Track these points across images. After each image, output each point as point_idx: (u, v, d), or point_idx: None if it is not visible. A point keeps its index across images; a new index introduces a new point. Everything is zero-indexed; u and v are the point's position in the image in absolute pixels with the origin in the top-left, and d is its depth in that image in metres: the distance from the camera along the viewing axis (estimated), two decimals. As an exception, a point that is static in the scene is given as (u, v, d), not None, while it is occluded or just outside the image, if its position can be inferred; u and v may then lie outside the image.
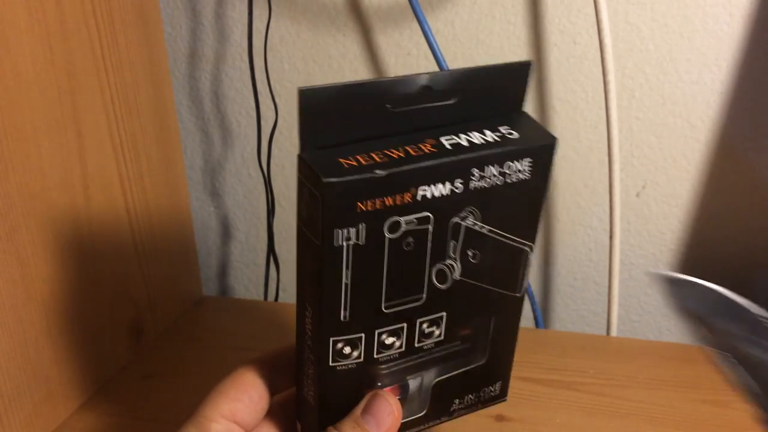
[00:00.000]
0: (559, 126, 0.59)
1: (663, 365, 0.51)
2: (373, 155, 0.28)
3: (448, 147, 0.29)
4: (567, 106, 0.58)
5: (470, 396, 0.36)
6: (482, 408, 0.37)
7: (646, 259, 0.62)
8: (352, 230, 0.27)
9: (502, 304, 0.34)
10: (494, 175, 0.30)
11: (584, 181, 0.61)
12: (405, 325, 0.32)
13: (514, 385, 0.37)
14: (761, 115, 0.55)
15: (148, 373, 0.52)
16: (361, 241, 0.28)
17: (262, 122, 0.63)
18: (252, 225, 0.71)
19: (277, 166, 0.66)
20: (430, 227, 0.30)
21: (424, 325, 0.32)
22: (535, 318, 0.63)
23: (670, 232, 0.61)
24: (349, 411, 0.32)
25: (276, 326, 0.59)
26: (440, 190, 0.29)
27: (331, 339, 0.30)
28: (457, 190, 0.29)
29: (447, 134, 0.30)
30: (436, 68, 0.57)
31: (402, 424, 0.34)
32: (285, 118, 0.64)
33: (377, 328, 0.31)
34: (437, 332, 0.33)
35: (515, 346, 0.36)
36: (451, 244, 0.31)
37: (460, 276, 0.32)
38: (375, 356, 0.32)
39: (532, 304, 0.63)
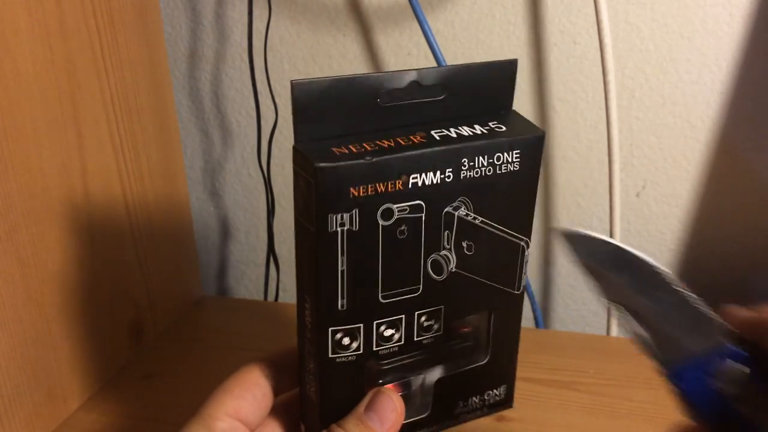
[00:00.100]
0: (559, 126, 0.59)
1: (663, 365, 0.51)
2: (365, 145, 0.29)
3: (438, 138, 0.30)
4: (567, 106, 0.58)
5: (474, 399, 0.36)
6: (488, 413, 0.36)
7: (646, 259, 0.62)
8: (346, 215, 0.28)
9: (501, 300, 0.34)
10: (484, 166, 0.31)
11: (584, 181, 0.61)
12: (403, 317, 0.32)
13: (514, 385, 0.37)
14: (761, 115, 0.55)
15: (148, 373, 0.52)
16: (355, 227, 0.29)
17: (262, 122, 0.63)
18: (252, 225, 0.71)
19: (277, 166, 0.66)
20: (423, 216, 0.30)
21: (423, 318, 0.33)
22: (535, 318, 0.63)
23: (670, 232, 0.61)
24: (352, 409, 0.32)
25: (276, 326, 0.59)
26: (431, 178, 0.30)
27: (330, 329, 0.30)
28: (447, 179, 0.30)
29: (437, 128, 0.31)
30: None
31: (406, 425, 0.34)
32: (285, 118, 0.64)
33: (375, 319, 0.31)
34: (436, 326, 0.33)
35: (518, 348, 0.36)
36: (445, 234, 0.31)
37: (456, 268, 0.32)
38: (374, 349, 0.32)
39: (532, 304, 0.63)
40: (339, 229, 0.28)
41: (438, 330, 0.33)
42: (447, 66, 0.31)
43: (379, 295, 0.31)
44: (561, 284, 0.65)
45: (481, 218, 0.32)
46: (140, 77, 0.52)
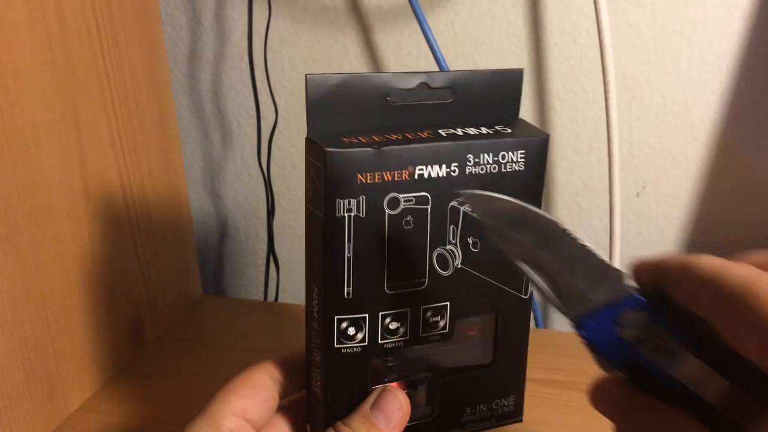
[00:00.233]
0: (559, 126, 0.59)
1: (663, 365, 0.51)
2: (374, 137, 0.30)
3: (444, 135, 0.31)
4: (567, 106, 0.58)
5: (482, 406, 0.36)
6: (496, 425, 0.36)
7: (646, 259, 0.62)
8: (353, 201, 0.29)
9: (508, 303, 0.34)
10: (489, 163, 0.31)
11: (584, 181, 0.61)
12: (409, 310, 0.32)
13: (514, 385, 0.37)
14: (761, 115, 0.55)
15: (148, 373, 0.52)
16: (362, 214, 0.30)
17: (262, 122, 0.63)
18: (252, 225, 0.71)
19: (277, 166, 0.66)
20: (429, 208, 0.31)
21: (428, 314, 0.33)
22: (535, 318, 0.63)
23: (670, 232, 0.61)
24: (357, 407, 0.32)
25: (276, 326, 0.59)
26: (436, 171, 0.30)
27: (336, 317, 0.31)
28: (453, 173, 0.31)
29: (444, 128, 0.32)
30: (435, 68, 0.57)
31: (411, 427, 0.34)
32: (285, 119, 0.64)
33: (381, 310, 0.32)
34: (442, 323, 0.33)
35: (526, 358, 0.36)
36: (451, 228, 0.32)
37: (462, 264, 0.32)
38: (380, 342, 0.32)
39: (532, 303, 0.63)
40: (346, 214, 0.29)
41: (444, 327, 0.33)
42: (456, 71, 0.32)
43: (385, 285, 0.31)
44: (561, 284, 0.65)
45: None
46: (140, 77, 0.52)
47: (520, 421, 0.37)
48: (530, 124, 0.34)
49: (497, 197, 0.28)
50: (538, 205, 0.33)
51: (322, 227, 0.29)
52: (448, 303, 0.33)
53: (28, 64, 0.41)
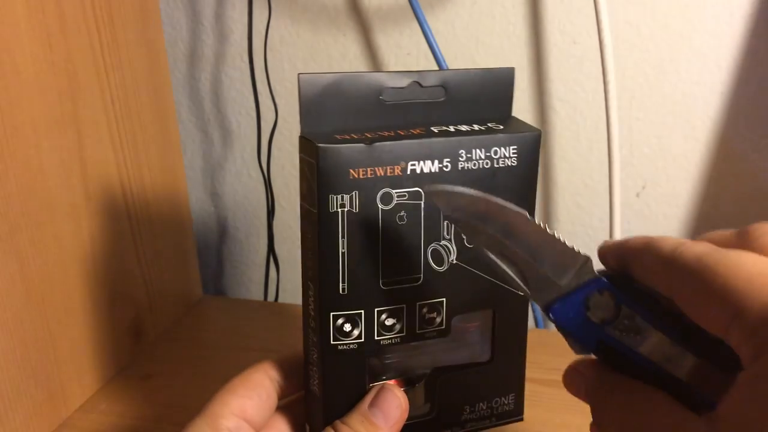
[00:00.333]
0: (559, 126, 0.59)
1: (663, 365, 0.51)
2: (366, 134, 0.30)
3: (436, 131, 0.31)
4: (567, 106, 0.58)
5: (481, 405, 0.36)
6: (497, 424, 0.36)
7: (646, 259, 0.62)
8: (346, 197, 0.30)
9: (505, 299, 0.34)
10: (481, 159, 0.32)
11: (584, 181, 0.61)
12: (404, 306, 0.32)
13: (514, 385, 0.37)
14: (761, 115, 0.55)
15: (148, 373, 0.52)
16: (355, 209, 0.30)
17: (262, 122, 0.63)
18: (252, 225, 0.71)
19: (277, 166, 0.66)
20: (422, 204, 0.31)
21: (424, 310, 0.33)
22: (535, 318, 0.63)
23: (670, 232, 0.61)
24: (355, 405, 0.32)
25: (276, 326, 0.59)
26: (429, 166, 0.31)
27: (332, 314, 0.31)
28: (445, 169, 0.31)
29: (436, 125, 0.32)
30: (435, 68, 0.57)
31: (410, 424, 0.34)
32: (285, 119, 0.64)
33: (376, 306, 0.32)
34: (438, 319, 0.33)
35: (525, 357, 0.36)
36: (445, 224, 0.32)
37: (457, 260, 0.33)
38: (376, 338, 0.32)
39: (532, 303, 0.63)
40: (339, 210, 0.30)
41: (440, 324, 0.33)
42: (448, 70, 0.32)
43: (380, 281, 0.31)
44: (561, 284, 0.65)
45: None
46: (140, 77, 0.52)
47: (521, 419, 0.37)
48: (523, 121, 0.34)
49: (460, 191, 0.28)
50: (533, 202, 0.34)
51: (315, 223, 0.30)
52: (444, 299, 0.33)
53: (28, 64, 0.41)
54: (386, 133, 0.31)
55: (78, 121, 0.45)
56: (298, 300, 0.71)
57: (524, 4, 0.56)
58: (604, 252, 0.28)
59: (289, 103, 0.64)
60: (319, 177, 0.29)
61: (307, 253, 0.31)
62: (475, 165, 0.31)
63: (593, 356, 0.27)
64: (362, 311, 0.31)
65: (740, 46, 0.54)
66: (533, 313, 0.63)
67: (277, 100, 0.63)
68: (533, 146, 0.33)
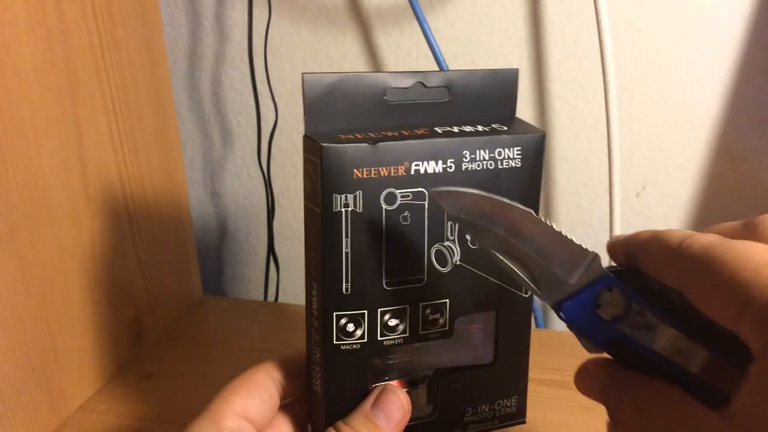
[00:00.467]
0: (559, 126, 0.59)
1: (663, 365, 0.51)
2: (370, 134, 0.30)
3: (440, 132, 0.31)
4: (567, 106, 0.58)
5: (484, 407, 0.36)
6: (499, 426, 0.36)
7: (646, 259, 0.62)
8: (350, 197, 0.30)
9: (508, 301, 0.34)
10: (485, 160, 0.32)
11: (584, 181, 0.61)
12: (408, 307, 0.32)
13: (514, 385, 0.37)
14: (761, 115, 0.55)
15: (148, 373, 0.52)
16: (359, 209, 0.30)
17: (262, 122, 0.63)
18: (252, 225, 0.71)
19: (277, 166, 0.66)
20: (426, 204, 0.31)
21: (428, 311, 0.33)
22: (535, 318, 0.63)
23: (670, 232, 0.61)
24: (357, 405, 0.32)
25: (276, 326, 0.59)
26: (432, 167, 0.31)
27: (335, 313, 0.31)
28: (449, 169, 0.31)
29: (440, 126, 0.32)
30: (436, 68, 0.57)
31: (412, 425, 0.34)
32: (285, 119, 0.64)
33: (379, 307, 0.32)
34: (441, 320, 0.33)
35: (528, 358, 0.36)
36: (449, 225, 0.32)
37: (461, 261, 0.33)
38: (379, 338, 0.32)
39: (533, 303, 0.63)
40: (343, 209, 0.30)
41: (443, 325, 0.33)
42: (451, 70, 0.32)
43: (383, 281, 0.31)
44: (561, 284, 0.65)
45: None
46: (140, 77, 0.52)
47: (523, 422, 0.37)
48: (527, 122, 0.34)
49: (465, 192, 0.28)
50: (537, 203, 0.34)
51: (319, 222, 0.30)
52: (447, 300, 0.33)
53: (28, 64, 0.41)
54: (390, 134, 0.31)
55: (78, 120, 0.45)
56: (298, 300, 0.71)
57: (524, 4, 0.56)
58: (613, 246, 0.28)
59: (289, 103, 0.64)
60: (323, 176, 0.29)
61: (310, 252, 0.31)
62: (478, 166, 0.31)
63: (605, 354, 0.27)
64: (365, 311, 0.31)
65: (740, 46, 0.54)
66: (533, 313, 0.63)
67: (277, 100, 0.63)
68: (537, 148, 0.33)
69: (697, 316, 0.24)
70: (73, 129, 0.45)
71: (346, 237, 0.30)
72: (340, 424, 0.32)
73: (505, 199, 0.27)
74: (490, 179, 0.32)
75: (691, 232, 0.24)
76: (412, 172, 0.30)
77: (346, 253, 0.30)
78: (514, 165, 0.32)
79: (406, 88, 0.32)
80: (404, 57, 0.60)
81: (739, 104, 0.55)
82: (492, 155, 0.32)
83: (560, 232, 0.27)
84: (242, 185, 0.69)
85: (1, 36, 0.39)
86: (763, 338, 0.21)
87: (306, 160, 0.30)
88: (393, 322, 0.32)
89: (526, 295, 0.35)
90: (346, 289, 0.31)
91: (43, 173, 0.43)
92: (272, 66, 0.62)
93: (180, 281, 0.61)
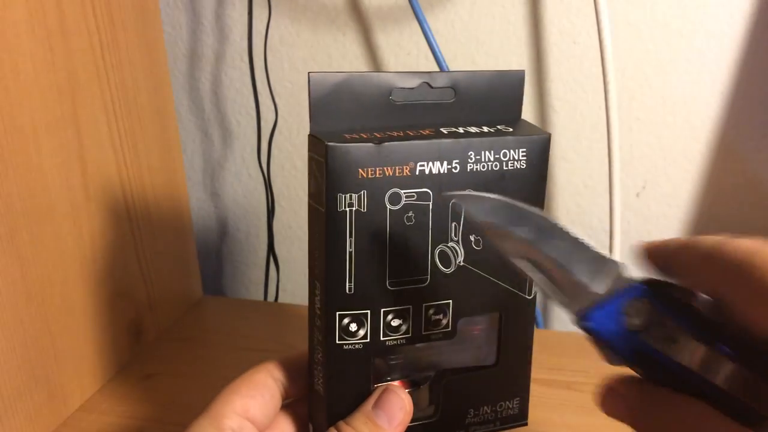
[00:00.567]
0: (559, 126, 0.59)
1: (663, 365, 0.51)
2: (375, 134, 0.30)
3: (445, 132, 0.31)
4: (567, 106, 0.58)
5: (486, 408, 0.36)
6: (501, 428, 0.36)
7: (646, 259, 0.62)
8: (354, 196, 0.30)
9: (512, 303, 0.34)
10: (490, 161, 0.32)
11: (584, 181, 0.61)
12: (411, 307, 0.32)
13: (514, 385, 0.37)
14: (761, 115, 0.55)
15: (148, 373, 0.52)
16: (363, 208, 0.30)
17: (262, 122, 0.63)
18: (252, 225, 0.71)
19: (277, 166, 0.66)
20: (431, 204, 0.31)
21: (431, 311, 0.33)
22: (535, 318, 0.63)
23: (670, 232, 0.61)
24: (359, 406, 0.32)
25: (276, 326, 0.59)
26: (437, 167, 0.31)
27: (338, 313, 0.31)
28: (454, 170, 0.31)
29: (445, 126, 0.32)
30: (436, 68, 0.57)
31: (414, 426, 0.33)
32: (285, 119, 0.64)
33: (382, 307, 0.32)
34: (444, 321, 0.33)
35: (530, 360, 0.36)
36: (453, 225, 0.32)
37: (464, 262, 0.33)
38: (382, 338, 0.32)
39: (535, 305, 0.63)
40: (348, 209, 0.30)
41: (446, 326, 0.33)
42: (457, 71, 0.32)
43: (387, 281, 0.31)
44: (561, 284, 0.65)
45: None
46: (140, 77, 0.52)
47: (525, 424, 0.37)
48: (532, 124, 0.34)
49: (487, 196, 0.28)
50: (541, 205, 0.34)
51: (323, 222, 0.30)
52: (450, 301, 0.33)
53: (28, 64, 0.41)
54: (395, 133, 0.31)
55: (78, 121, 0.45)
56: (298, 300, 0.72)
57: (524, 4, 0.56)
58: (646, 252, 0.27)
59: (289, 103, 0.64)
60: (327, 176, 0.29)
61: (314, 251, 0.31)
62: (483, 167, 0.31)
63: (629, 370, 0.26)
64: (368, 311, 0.31)
65: (740, 46, 0.54)
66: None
67: (277, 100, 0.63)
68: (542, 149, 0.33)
69: (729, 330, 0.23)
70: (73, 129, 0.45)
71: (350, 237, 0.30)
72: (341, 424, 0.32)
73: (526, 205, 0.27)
74: (495, 180, 0.32)
75: (726, 236, 0.24)
76: (417, 173, 0.30)
77: (350, 252, 0.30)
78: (519, 166, 0.32)
79: (411, 88, 0.32)
80: (404, 57, 0.60)
81: (739, 104, 0.55)
82: (497, 156, 0.32)
83: (583, 240, 0.26)
84: (242, 185, 0.69)
85: (1, 36, 0.39)
86: None
87: (311, 159, 0.30)
88: (396, 323, 0.32)
89: (530, 297, 0.35)
90: (350, 289, 0.31)
91: (43, 173, 0.43)
92: (272, 66, 0.62)
93: (180, 281, 0.61)
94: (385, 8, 0.59)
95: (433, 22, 0.58)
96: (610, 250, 0.57)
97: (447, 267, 0.32)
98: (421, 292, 0.32)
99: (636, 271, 0.27)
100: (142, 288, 0.54)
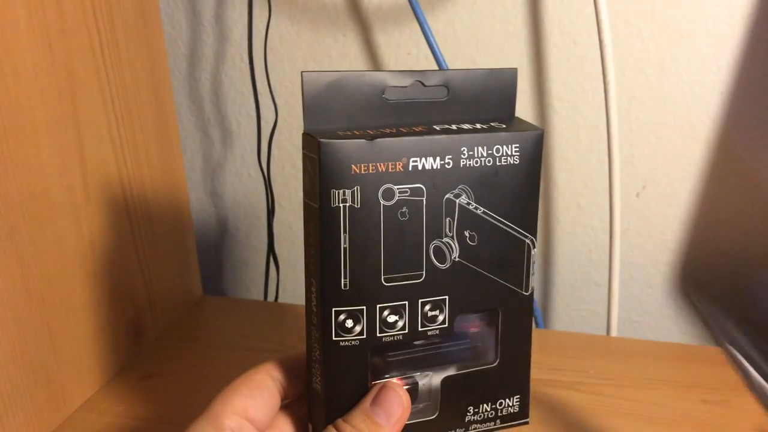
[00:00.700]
0: (559, 126, 0.59)
1: (663, 365, 0.51)
2: (368, 131, 0.31)
3: (438, 129, 0.32)
4: (567, 106, 0.58)
5: (485, 406, 0.36)
6: (501, 426, 0.36)
7: (646, 259, 0.62)
8: (348, 192, 0.30)
9: (509, 300, 0.34)
10: (483, 156, 0.32)
11: (584, 181, 0.61)
12: (407, 303, 0.32)
13: (514, 385, 0.37)
14: (761, 115, 0.55)
15: (148, 373, 0.52)
16: (357, 204, 0.30)
17: (262, 122, 0.63)
18: (252, 225, 0.71)
19: (277, 166, 0.66)
20: (424, 200, 0.31)
21: (427, 307, 0.33)
22: (535, 318, 0.63)
23: (670, 232, 0.61)
24: (357, 403, 0.32)
25: (276, 326, 0.59)
26: (431, 162, 0.31)
27: (333, 309, 0.31)
28: (447, 166, 0.31)
29: (439, 124, 0.33)
30: (435, 68, 0.57)
31: (413, 425, 0.33)
32: (285, 119, 0.64)
33: (378, 303, 0.32)
34: (441, 317, 0.33)
35: (530, 357, 0.36)
36: (447, 221, 0.32)
37: (459, 257, 0.33)
38: (378, 335, 0.32)
39: (534, 303, 0.63)
40: (341, 204, 0.30)
41: (443, 322, 0.33)
42: (450, 70, 0.32)
43: (382, 277, 0.31)
44: (561, 284, 0.65)
45: (483, 209, 0.32)
46: (140, 77, 0.52)
47: (526, 422, 0.37)
48: (526, 121, 0.34)
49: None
50: (536, 201, 0.34)
51: (317, 218, 0.30)
52: (446, 297, 0.33)
53: (28, 64, 0.41)
54: (388, 130, 0.31)
55: (78, 120, 0.45)
56: (298, 300, 0.72)
57: (524, 4, 0.56)
58: None
59: (289, 103, 0.64)
60: (320, 171, 0.29)
61: (309, 248, 0.32)
62: (477, 162, 0.32)
63: None
64: (364, 307, 0.32)
65: (740, 46, 0.54)
66: (533, 313, 0.63)
67: (277, 100, 0.63)
68: (536, 145, 0.33)
69: None
70: (73, 129, 0.45)
71: (344, 232, 0.30)
72: (339, 422, 0.32)
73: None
74: (489, 176, 0.32)
75: None
76: (410, 168, 0.31)
77: (345, 248, 0.30)
78: (512, 162, 0.32)
79: (405, 86, 0.32)
80: (404, 57, 0.60)
81: (739, 104, 0.55)
82: (490, 152, 0.32)
83: None
84: (242, 185, 0.69)
85: (1, 36, 0.39)
86: None
87: (305, 157, 0.31)
88: (392, 319, 0.32)
89: (527, 293, 0.35)
90: (345, 285, 0.31)
91: (43, 173, 0.43)
92: (272, 66, 0.62)
93: (180, 281, 0.61)
94: (385, 8, 0.59)
95: (433, 22, 0.58)
96: (610, 250, 0.57)
97: (442, 263, 0.32)
98: (417, 287, 0.32)
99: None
100: (142, 288, 0.54)
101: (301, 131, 0.31)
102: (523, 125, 0.34)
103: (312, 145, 0.30)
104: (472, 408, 0.35)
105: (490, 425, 0.36)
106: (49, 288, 0.44)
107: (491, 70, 0.34)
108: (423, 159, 0.31)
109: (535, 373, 0.40)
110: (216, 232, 0.72)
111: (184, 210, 0.61)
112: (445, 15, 0.58)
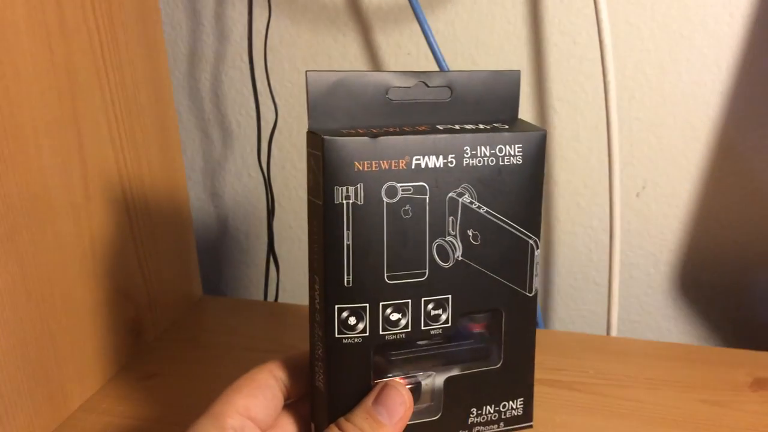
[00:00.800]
0: (559, 126, 0.59)
1: (663, 365, 0.51)
2: (372, 130, 0.31)
3: (441, 129, 0.32)
4: (567, 106, 0.58)
5: (489, 408, 0.36)
6: (505, 429, 0.36)
7: (646, 259, 0.62)
8: (351, 189, 0.30)
9: (513, 300, 0.34)
10: (486, 156, 0.32)
11: (584, 181, 0.61)
12: (410, 301, 0.32)
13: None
14: (761, 115, 0.55)
15: (148, 373, 0.52)
16: (360, 201, 0.30)
17: (262, 122, 0.63)
18: (252, 225, 0.71)
19: (277, 166, 0.66)
20: (427, 198, 0.32)
21: (430, 306, 0.33)
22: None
23: (670, 232, 0.61)
24: (359, 402, 0.32)
25: (276, 326, 0.59)
26: (434, 161, 0.31)
27: (336, 306, 0.31)
28: (450, 164, 0.31)
29: (442, 124, 0.33)
30: (435, 68, 0.57)
31: (416, 426, 0.33)
32: (285, 119, 0.64)
33: (381, 301, 0.32)
34: (444, 317, 0.33)
35: (533, 359, 0.36)
36: (450, 220, 0.32)
37: (463, 257, 0.33)
38: (381, 333, 0.32)
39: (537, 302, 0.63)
40: (345, 201, 0.30)
41: (446, 321, 0.33)
42: (454, 71, 0.33)
43: (385, 275, 0.32)
44: (561, 284, 0.65)
45: (486, 208, 0.33)
46: (140, 77, 0.52)
47: (530, 426, 0.37)
48: (529, 122, 0.35)
49: None
50: (539, 201, 0.34)
51: (321, 215, 0.30)
52: (449, 296, 0.33)
53: (28, 64, 0.41)
54: (391, 129, 0.31)
55: (78, 120, 0.45)
56: (298, 300, 0.72)
57: (524, 4, 0.56)
58: None
59: (289, 103, 0.64)
60: (324, 168, 0.30)
61: (313, 246, 0.32)
62: (479, 162, 0.32)
63: None
64: (367, 305, 0.32)
65: (740, 46, 0.54)
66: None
67: (277, 100, 0.63)
68: (539, 145, 0.33)
69: None
70: (73, 129, 0.45)
71: (348, 229, 0.30)
72: (341, 420, 0.32)
73: None
74: (492, 175, 0.32)
75: None
76: (413, 166, 0.31)
77: (348, 245, 0.31)
78: (515, 162, 0.33)
79: (408, 87, 0.32)
80: (404, 57, 0.60)
81: (739, 104, 0.55)
82: (493, 151, 0.32)
83: None
84: (242, 185, 0.69)
85: (1, 36, 0.39)
86: None
87: (309, 155, 0.31)
88: (395, 317, 0.32)
89: (530, 294, 0.35)
90: (348, 282, 0.31)
91: (43, 173, 0.43)
92: (272, 66, 0.62)
93: (180, 281, 0.61)
94: (385, 8, 0.59)
95: (433, 22, 0.58)
96: (610, 250, 0.57)
97: (445, 261, 0.33)
98: (420, 286, 0.32)
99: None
100: (142, 288, 0.54)
101: (302, 131, 0.31)
102: (526, 126, 0.34)
103: (316, 143, 0.30)
104: (475, 410, 0.35)
105: (494, 428, 0.36)
106: (49, 288, 0.44)
107: (494, 71, 0.34)
108: (426, 157, 0.31)
109: (537, 374, 0.40)
110: (216, 232, 0.72)
111: (184, 210, 0.61)
112: (445, 15, 0.58)
